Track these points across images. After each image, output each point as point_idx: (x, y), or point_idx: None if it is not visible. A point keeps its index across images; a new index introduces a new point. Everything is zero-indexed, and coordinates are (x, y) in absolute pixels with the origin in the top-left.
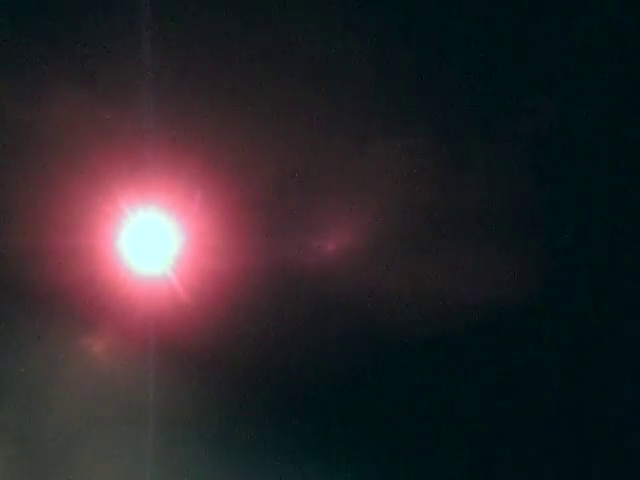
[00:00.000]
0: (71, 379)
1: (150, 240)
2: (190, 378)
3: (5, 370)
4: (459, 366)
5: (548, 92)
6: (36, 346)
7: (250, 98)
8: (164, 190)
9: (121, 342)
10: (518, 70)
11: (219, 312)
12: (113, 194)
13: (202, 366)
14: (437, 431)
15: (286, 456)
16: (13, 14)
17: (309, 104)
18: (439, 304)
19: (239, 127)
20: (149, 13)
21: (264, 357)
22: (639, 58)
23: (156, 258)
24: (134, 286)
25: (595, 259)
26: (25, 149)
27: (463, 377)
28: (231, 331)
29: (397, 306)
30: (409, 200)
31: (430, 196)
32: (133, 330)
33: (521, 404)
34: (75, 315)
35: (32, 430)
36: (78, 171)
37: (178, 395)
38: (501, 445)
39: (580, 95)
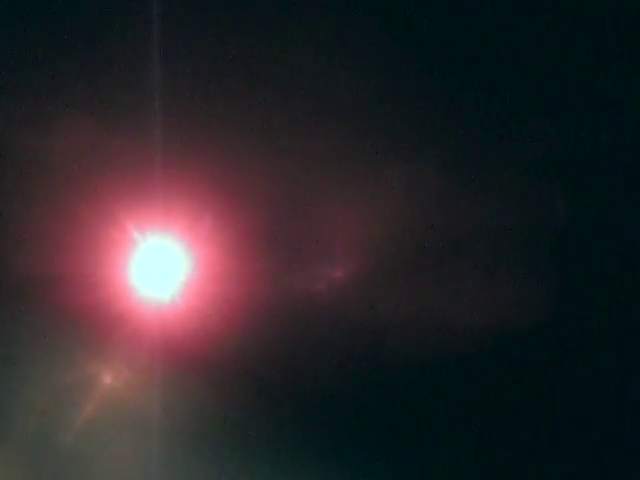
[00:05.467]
0: (79, 406)
1: (159, 266)
2: (199, 404)
3: (14, 396)
4: (473, 392)
5: (558, 116)
6: (43, 373)
7: (261, 126)
8: (173, 217)
9: (129, 368)
10: (528, 94)
11: (228, 338)
12: (121, 221)
13: (211, 392)
14: (445, 458)
15: None
16: (18, 43)
17: (319, 130)
18: (452, 330)
19: (249, 154)
20: (158, 40)
21: (273, 384)
22: None
23: (164, 284)
24: (142, 312)
25: (607, 284)
26: (32, 177)
27: (474, 402)
28: (240, 357)
29: (406, 331)
30: (417, 225)
31: (439, 220)
32: (141, 356)
33: (527, 430)
34: (83, 341)
35: (40, 455)
36: (86, 198)
37: (187, 421)
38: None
39: (589, 118)
